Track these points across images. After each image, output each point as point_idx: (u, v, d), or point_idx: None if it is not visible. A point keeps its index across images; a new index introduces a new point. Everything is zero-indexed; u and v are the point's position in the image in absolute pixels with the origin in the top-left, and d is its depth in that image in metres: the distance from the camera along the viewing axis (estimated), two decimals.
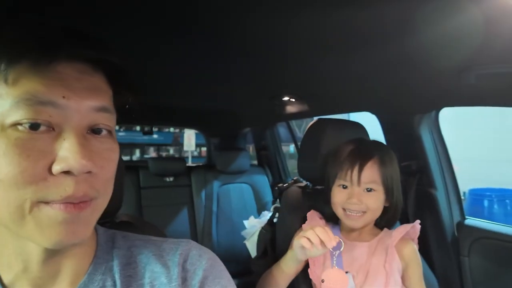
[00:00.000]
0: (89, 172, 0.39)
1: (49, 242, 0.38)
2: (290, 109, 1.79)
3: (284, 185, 1.30)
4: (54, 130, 0.38)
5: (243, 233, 1.45)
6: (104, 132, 0.42)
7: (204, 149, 6.86)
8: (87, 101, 0.40)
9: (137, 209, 2.13)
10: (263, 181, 2.48)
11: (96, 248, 0.49)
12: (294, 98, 1.68)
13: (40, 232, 0.38)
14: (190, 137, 7.26)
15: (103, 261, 0.48)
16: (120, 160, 0.78)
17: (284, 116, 1.95)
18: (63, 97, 0.38)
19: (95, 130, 0.42)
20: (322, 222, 1.00)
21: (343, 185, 0.92)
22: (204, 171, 2.37)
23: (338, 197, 0.93)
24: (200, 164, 3.24)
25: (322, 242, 0.79)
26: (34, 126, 0.37)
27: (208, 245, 2.16)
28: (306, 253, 0.83)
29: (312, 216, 1.02)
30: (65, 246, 0.40)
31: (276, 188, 1.32)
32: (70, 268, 0.45)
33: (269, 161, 2.54)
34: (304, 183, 1.29)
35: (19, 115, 0.36)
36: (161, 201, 2.22)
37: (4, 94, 0.37)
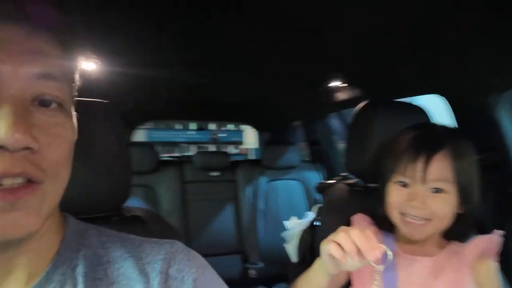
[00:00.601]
0: (29, 148, 0.33)
1: None
2: (341, 96, 1.59)
3: (328, 182, 1.12)
4: None
5: (284, 234, 1.30)
6: (53, 105, 0.37)
7: (243, 147, 6.81)
8: (26, 66, 0.35)
9: (180, 204, 2.10)
10: (314, 178, 2.29)
11: (60, 244, 0.42)
12: (345, 83, 1.47)
13: None
14: (250, 134, 7.20)
15: (66, 260, 0.41)
16: (125, 146, 0.71)
17: (335, 105, 1.75)
18: None
19: (42, 102, 0.36)
20: (373, 229, 0.81)
21: (402, 183, 0.72)
22: (250, 166, 2.26)
23: (395, 197, 0.72)
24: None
25: (359, 251, 0.58)
26: None
27: (253, 244, 2.05)
28: (337, 264, 0.61)
29: (359, 220, 0.83)
30: (9, 240, 0.35)
31: (319, 185, 1.14)
32: (25, 266, 0.39)
33: (321, 156, 2.33)
34: (354, 180, 1.10)
35: None
36: (205, 196, 2.18)
37: None
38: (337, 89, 1.55)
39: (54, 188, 0.37)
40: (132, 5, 0.72)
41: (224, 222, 2.14)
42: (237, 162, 2.34)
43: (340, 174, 1.20)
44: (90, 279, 0.41)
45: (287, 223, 1.33)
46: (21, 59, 0.34)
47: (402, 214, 0.71)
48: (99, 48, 1.00)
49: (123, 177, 0.70)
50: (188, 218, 2.10)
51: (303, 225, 1.14)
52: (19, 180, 0.33)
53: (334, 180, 1.16)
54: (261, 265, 2.04)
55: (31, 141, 0.33)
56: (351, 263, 0.59)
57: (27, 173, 0.34)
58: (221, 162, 2.23)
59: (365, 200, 0.92)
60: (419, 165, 0.68)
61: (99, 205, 0.69)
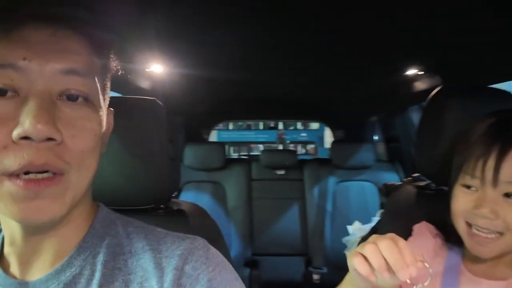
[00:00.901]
0: (52, 139, 0.35)
1: (15, 219, 0.37)
2: (420, 86, 1.38)
3: (394, 183, 0.97)
4: (17, 95, 0.36)
5: (345, 240, 1.17)
6: (80, 100, 0.39)
7: (311, 146, 6.60)
8: (51, 63, 0.37)
9: (246, 201, 2.09)
10: (391, 179, 2.06)
11: (87, 231, 0.45)
12: (424, 71, 1.27)
13: (5, 208, 0.36)
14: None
15: (90, 246, 0.44)
16: (176, 141, 0.69)
17: (414, 97, 1.54)
18: (24, 58, 0.36)
19: (69, 97, 0.38)
20: (437, 241, 0.65)
21: (468, 186, 0.56)
22: (318, 166, 2.15)
23: (461, 203, 0.58)
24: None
25: (389, 267, 0.44)
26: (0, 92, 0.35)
27: (319, 247, 1.94)
28: (366, 281, 0.48)
29: (422, 230, 0.68)
30: (35, 224, 0.38)
31: (383, 187, 0.99)
32: (52, 248, 0.42)
33: (400, 155, 2.10)
34: (425, 181, 0.93)
35: None
36: (270, 194, 2.14)
37: None
38: (415, 78, 1.36)
39: (79, 178, 0.39)
40: (207, 4, 0.72)
41: (289, 222, 2.07)
42: (305, 161, 2.25)
43: (412, 175, 1.03)
44: (110, 268, 0.43)
45: (350, 228, 1.20)
46: (46, 57, 0.36)
47: (468, 224, 0.56)
48: (168, 50, 1.05)
49: (168, 171, 0.71)
50: (252, 215, 2.09)
51: (364, 231, 1.01)
52: (44, 173, 0.36)
53: (402, 181, 1.01)
54: (325, 270, 1.91)
55: (54, 132, 0.35)
56: (381, 280, 0.46)
57: (50, 164, 0.36)
58: (287, 160, 2.15)
59: (435, 205, 0.76)
60: (490, 162, 0.52)
61: (144, 198, 0.72)
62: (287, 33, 0.88)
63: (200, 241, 0.47)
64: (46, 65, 0.36)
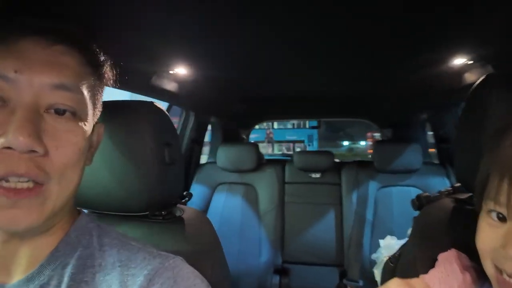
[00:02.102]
0: (34, 151, 0.38)
1: None
2: (469, 78, 1.20)
3: (430, 195, 0.83)
4: (6, 105, 0.38)
5: (374, 256, 1.04)
6: (67, 114, 0.41)
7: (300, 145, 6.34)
8: (41, 77, 0.39)
9: (278, 205, 2.01)
10: (442, 185, 1.85)
11: (61, 239, 0.46)
12: (472, 60, 1.10)
13: None
14: None
15: (61, 255, 0.45)
16: (176, 145, 0.73)
17: (462, 90, 1.35)
18: (15, 71, 0.38)
19: (57, 111, 0.40)
20: (466, 277, 0.52)
21: (497, 214, 0.42)
22: (357, 169, 1.99)
23: (485, 239, 0.44)
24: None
25: None
26: None
27: (356, 259, 1.79)
28: None
29: (449, 260, 0.55)
30: (10, 232, 0.41)
31: (416, 199, 0.86)
32: (27, 254, 0.44)
33: (452, 157, 1.87)
34: (466, 194, 0.78)
35: None
36: (305, 199, 2.03)
37: None
38: (464, 69, 1.19)
39: (59, 190, 0.41)
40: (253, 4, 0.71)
41: (323, 229, 1.95)
42: (343, 163, 2.11)
43: (452, 185, 0.88)
44: (77, 280, 0.44)
45: (381, 242, 1.06)
46: (36, 69, 0.39)
47: (498, 269, 0.42)
48: (197, 52, 1.07)
49: (161, 177, 0.68)
50: (284, 220, 2.00)
51: (391, 250, 0.88)
52: (24, 181, 0.38)
53: (439, 192, 0.86)
54: (361, 283, 1.76)
55: (36, 145, 0.37)
56: None
57: (31, 174, 0.38)
58: (323, 162, 2.03)
59: (474, 226, 0.62)
60: None
61: (137, 204, 0.69)
62: (327, 26, 0.83)
63: (172, 261, 0.47)
64: (36, 78, 0.39)
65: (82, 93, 0.42)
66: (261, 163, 2.09)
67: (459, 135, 0.73)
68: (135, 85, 1.35)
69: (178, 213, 0.79)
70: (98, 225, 0.50)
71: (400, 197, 1.87)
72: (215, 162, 2.14)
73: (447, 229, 0.68)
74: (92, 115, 0.46)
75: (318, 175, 2.04)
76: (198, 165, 2.25)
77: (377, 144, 2.02)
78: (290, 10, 0.73)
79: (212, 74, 1.43)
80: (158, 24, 0.81)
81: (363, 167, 1.99)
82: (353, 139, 13.24)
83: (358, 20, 0.80)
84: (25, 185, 0.38)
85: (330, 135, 13.46)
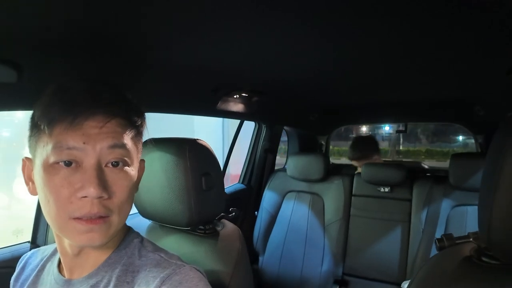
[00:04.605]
0: (101, 197, 0.56)
1: (77, 244, 0.60)
2: None
3: (453, 237, 0.77)
4: (80, 166, 0.57)
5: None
6: (120, 165, 0.60)
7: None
8: (101, 143, 0.57)
9: (344, 217, 2.10)
10: None
11: (113, 251, 0.67)
12: None
13: (72, 238, 0.59)
14: None
15: (112, 262, 0.65)
16: (215, 173, 0.94)
17: None
18: (83, 143, 0.56)
19: (113, 164, 0.59)
20: None
21: None
22: (432, 184, 1.94)
23: None
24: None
25: None
26: (67, 163, 0.56)
27: None
28: None
29: None
30: (88, 246, 0.61)
31: (438, 240, 0.81)
32: (89, 260, 0.65)
33: None
34: None
35: (56, 157, 0.56)
36: (371, 213, 2.07)
37: (47, 142, 0.57)
38: None
39: (119, 219, 0.60)
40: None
41: (388, 245, 1.96)
42: (416, 177, 2.06)
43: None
44: (121, 281, 0.63)
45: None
46: (98, 139, 0.57)
47: None
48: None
49: (198, 201, 0.89)
50: (348, 233, 2.07)
51: None
52: (95, 216, 0.57)
53: (468, 234, 0.77)
54: None
55: (103, 193, 0.56)
56: None
57: (100, 212, 0.57)
58: (393, 176, 2.01)
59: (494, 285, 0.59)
60: None
61: (181, 220, 0.91)
62: (421, 27, 0.81)
63: (183, 268, 0.63)
64: (98, 145, 0.57)
65: (129, 147, 0.60)
66: (329, 173, 2.19)
67: (484, 177, 0.63)
68: (204, 109, 1.58)
69: (219, 227, 1.01)
70: (141, 240, 0.70)
71: (475, 217, 1.75)
72: (285, 170, 2.32)
73: (447, 285, 0.64)
74: (136, 158, 0.63)
75: (387, 189, 2.05)
76: (271, 173, 2.46)
77: (454, 157, 1.91)
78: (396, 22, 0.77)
79: (290, 87, 1.55)
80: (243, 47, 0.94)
81: (438, 182, 1.93)
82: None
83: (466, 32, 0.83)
84: (95, 216, 0.57)
85: (436, 131, 12.24)
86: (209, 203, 0.92)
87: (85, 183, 0.55)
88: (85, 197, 0.55)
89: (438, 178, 2.01)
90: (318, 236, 2.10)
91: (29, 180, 0.63)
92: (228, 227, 1.02)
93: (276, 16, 0.73)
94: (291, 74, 1.30)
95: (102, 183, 0.56)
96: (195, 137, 0.96)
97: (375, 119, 2.78)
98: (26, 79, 0.80)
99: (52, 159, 0.56)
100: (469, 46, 0.96)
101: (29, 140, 0.60)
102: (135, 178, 0.63)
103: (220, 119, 4.82)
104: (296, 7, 0.69)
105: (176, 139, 0.93)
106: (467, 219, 1.80)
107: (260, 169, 2.46)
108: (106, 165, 0.58)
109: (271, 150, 2.45)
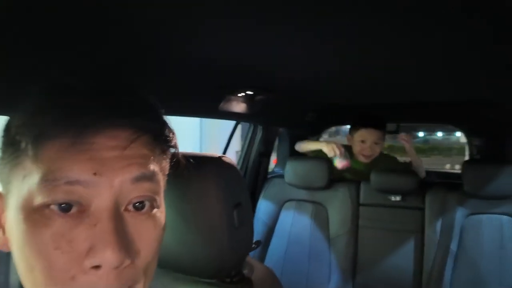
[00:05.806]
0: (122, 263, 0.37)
1: None
2: None
3: None
4: (86, 211, 0.36)
5: None
6: (146, 207, 0.40)
7: None
8: (123, 174, 0.37)
9: (352, 229, 1.97)
10: None
11: None
12: None
13: None
14: None
15: None
16: (246, 204, 0.69)
17: None
18: (94, 173, 0.36)
19: (136, 206, 0.39)
20: None
21: None
22: (445, 192, 1.87)
23: None
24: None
25: None
26: (64, 208, 0.35)
27: None
28: None
29: None
30: None
31: None
32: None
33: None
34: None
35: (46, 195, 0.35)
36: (381, 224, 1.96)
37: (31, 171, 0.35)
38: None
39: (145, 280, 0.41)
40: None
41: (401, 259, 1.87)
42: (428, 185, 1.97)
43: None
44: None
45: None
46: (115, 167, 0.37)
47: None
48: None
49: (229, 243, 0.64)
50: (357, 247, 1.95)
51: None
52: None
53: None
54: None
55: (125, 258, 0.36)
56: None
57: (121, 285, 0.37)
58: (405, 183, 1.90)
59: None
60: None
61: (205, 270, 0.66)
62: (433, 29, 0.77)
63: None
64: (118, 177, 0.37)
65: (159, 178, 0.42)
66: (333, 180, 2.04)
67: None
68: (204, 110, 1.45)
69: (246, 271, 0.75)
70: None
71: (490, 226, 1.73)
72: (282, 177, 2.14)
73: None
74: (163, 193, 0.45)
75: (398, 198, 1.94)
76: (265, 179, 2.28)
77: (468, 164, 1.85)
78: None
79: (289, 88, 1.45)
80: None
81: (452, 190, 1.86)
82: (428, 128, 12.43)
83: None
84: None
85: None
86: (241, 244, 0.68)
87: (97, 242, 0.35)
88: (98, 266, 0.35)
89: (451, 185, 1.94)
90: (323, 250, 1.97)
91: None
92: (258, 270, 0.77)
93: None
94: (298, 72, 1.22)
95: (124, 241, 0.36)
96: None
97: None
98: None
99: (39, 200, 0.35)
100: (470, 46, 0.92)
101: None
102: (163, 224, 0.43)
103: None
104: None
105: (195, 156, 0.61)
106: (482, 227, 1.76)
107: (253, 175, 2.27)
108: (126, 209, 0.38)
109: (266, 154, 2.27)
